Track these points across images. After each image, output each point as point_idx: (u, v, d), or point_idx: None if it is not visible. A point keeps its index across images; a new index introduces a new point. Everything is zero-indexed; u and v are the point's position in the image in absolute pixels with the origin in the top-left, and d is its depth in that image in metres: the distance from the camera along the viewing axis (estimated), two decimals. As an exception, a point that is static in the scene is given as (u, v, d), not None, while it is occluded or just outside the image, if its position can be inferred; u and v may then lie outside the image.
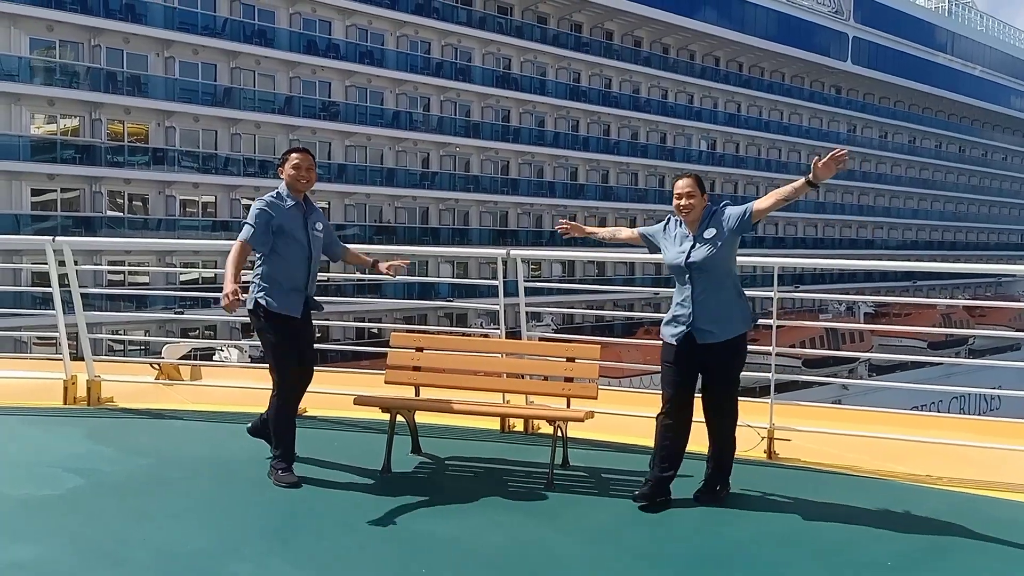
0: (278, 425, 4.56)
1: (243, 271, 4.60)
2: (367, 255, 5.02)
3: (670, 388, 4.35)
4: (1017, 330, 45.41)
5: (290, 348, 4.57)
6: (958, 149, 65.18)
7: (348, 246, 5.01)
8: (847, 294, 50.26)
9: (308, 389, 4.79)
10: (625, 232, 4.75)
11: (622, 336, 35.08)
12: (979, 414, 34.88)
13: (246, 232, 4.50)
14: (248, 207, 4.81)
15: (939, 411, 36.84)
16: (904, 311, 45.01)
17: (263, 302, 4.50)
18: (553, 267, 39.25)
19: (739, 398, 4.40)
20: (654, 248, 4.54)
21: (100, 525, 3.96)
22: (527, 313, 5.94)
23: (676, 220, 4.42)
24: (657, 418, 4.37)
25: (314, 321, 4.84)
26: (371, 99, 35.03)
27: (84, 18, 27.42)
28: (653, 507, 4.23)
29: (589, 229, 4.86)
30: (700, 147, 47.46)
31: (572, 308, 36.32)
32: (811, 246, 51.29)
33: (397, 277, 4.91)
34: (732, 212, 4.32)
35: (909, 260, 57.96)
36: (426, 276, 34.59)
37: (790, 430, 5.24)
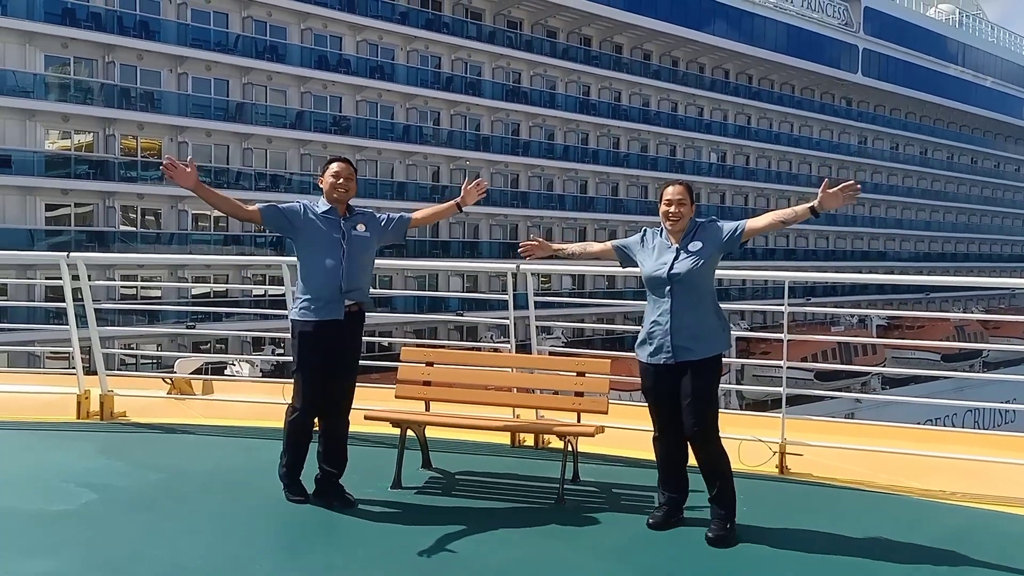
0: (287, 437, 4.45)
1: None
2: (439, 206, 4.77)
3: (654, 410, 4.23)
4: (1032, 343, 44.95)
5: (321, 360, 4.36)
6: (970, 160, 64.87)
7: (413, 215, 4.70)
8: (859, 307, 50.08)
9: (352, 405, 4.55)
10: (596, 246, 4.51)
11: (633, 349, 34.94)
12: (993, 428, 34.55)
13: (267, 206, 4.51)
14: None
15: (953, 425, 36.60)
16: (917, 324, 44.73)
17: (298, 315, 4.38)
18: (563, 280, 39.25)
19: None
20: (628, 261, 4.31)
21: (112, 540, 3.97)
22: (537, 327, 5.95)
23: (655, 231, 4.24)
24: (653, 442, 4.28)
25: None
26: (382, 113, 35.25)
27: (98, 35, 27.76)
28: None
29: (556, 246, 4.52)
30: (710, 159, 47.46)
31: (583, 322, 36.30)
32: (822, 258, 51.12)
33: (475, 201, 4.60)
34: (723, 227, 4.16)
35: (921, 272, 57.69)
36: (436, 290, 34.67)
37: (802, 445, 5.21)
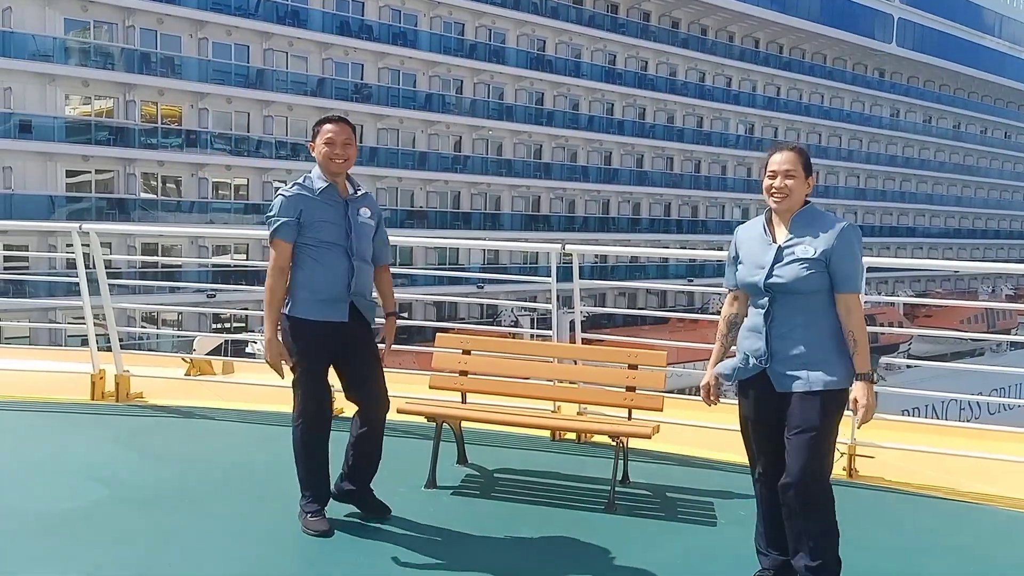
0: (306, 460, 3.75)
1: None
2: (393, 303, 4.01)
3: (752, 444, 3.29)
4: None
5: (324, 363, 3.74)
6: (1004, 135, 63.27)
7: (389, 272, 4.00)
8: (885, 284, 49.20)
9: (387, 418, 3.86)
10: (726, 309, 3.38)
11: (653, 325, 34.56)
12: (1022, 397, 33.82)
13: (280, 230, 3.62)
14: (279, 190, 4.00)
15: (978, 408, 35.81)
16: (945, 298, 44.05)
17: (298, 312, 3.68)
18: (585, 256, 38.61)
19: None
20: None
21: (122, 545, 3.62)
22: (559, 299, 5.47)
23: (750, 223, 3.31)
24: (753, 484, 3.36)
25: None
26: (404, 81, 34.64)
27: (118, -2, 27.33)
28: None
29: (712, 367, 3.36)
30: (738, 131, 46.46)
31: (604, 303, 35.71)
32: (851, 233, 50.04)
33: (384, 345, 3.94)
34: (839, 250, 3.05)
35: (951, 249, 56.64)
36: (456, 262, 34.23)
37: (874, 446, 4.75)
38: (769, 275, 3.10)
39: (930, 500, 4.49)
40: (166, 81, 28.49)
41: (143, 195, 28.85)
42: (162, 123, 29.23)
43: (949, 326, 41.22)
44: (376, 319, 3.94)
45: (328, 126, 3.71)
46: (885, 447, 4.77)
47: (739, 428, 3.33)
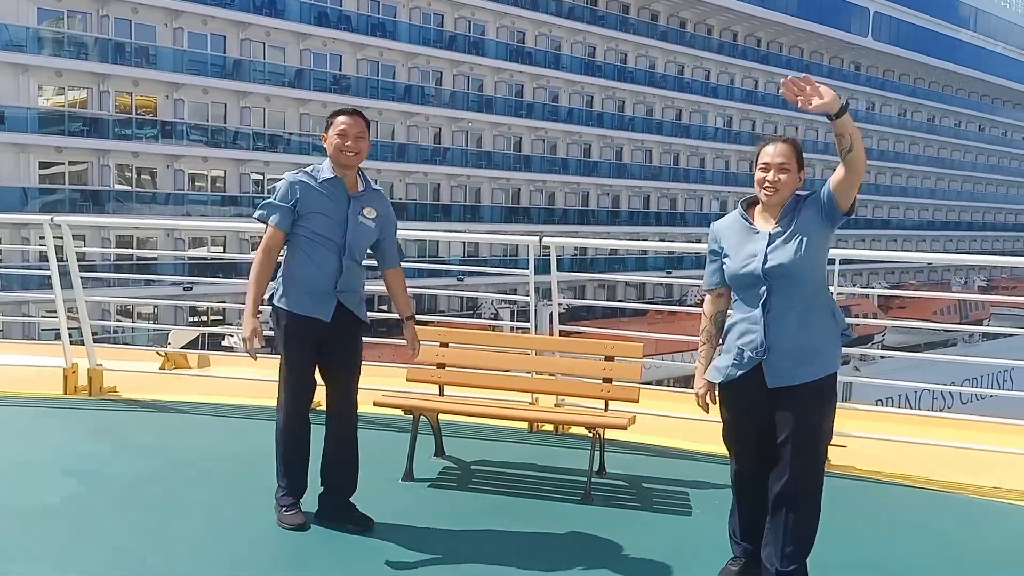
0: (284, 449, 3.73)
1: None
2: (408, 307, 3.98)
3: (735, 445, 3.20)
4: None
5: (308, 355, 3.69)
6: (978, 128, 64.08)
7: (401, 274, 3.97)
8: (860, 275, 49.81)
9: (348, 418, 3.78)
10: (709, 309, 3.26)
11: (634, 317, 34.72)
12: (993, 387, 34.37)
13: (269, 214, 3.58)
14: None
15: (951, 397, 36.34)
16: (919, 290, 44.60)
17: (283, 303, 3.66)
18: (565, 248, 38.60)
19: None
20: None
21: (99, 542, 3.59)
22: (538, 291, 5.49)
23: (725, 218, 3.21)
24: (732, 477, 3.28)
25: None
26: (383, 73, 34.43)
27: (91, -13, 26.91)
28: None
29: (704, 365, 3.23)
30: (716, 124, 46.68)
31: (583, 296, 35.83)
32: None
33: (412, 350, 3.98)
34: (819, 195, 3.01)
35: (924, 241, 57.37)
36: (436, 254, 34.09)
37: (846, 435, 4.81)
38: (765, 260, 2.98)
39: (902, 489, 4.56)
40: (141, 71, 28.11)
41: (117, 187, 28.49)
42: (137, 114, 28.84)
43: (922, 317, 41.79)
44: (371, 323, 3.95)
45: (342, 118, 3.69)
46: (857, 436, 4.83)
47: (714, 419, 3.32)
